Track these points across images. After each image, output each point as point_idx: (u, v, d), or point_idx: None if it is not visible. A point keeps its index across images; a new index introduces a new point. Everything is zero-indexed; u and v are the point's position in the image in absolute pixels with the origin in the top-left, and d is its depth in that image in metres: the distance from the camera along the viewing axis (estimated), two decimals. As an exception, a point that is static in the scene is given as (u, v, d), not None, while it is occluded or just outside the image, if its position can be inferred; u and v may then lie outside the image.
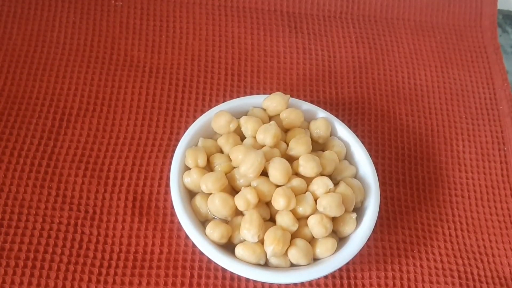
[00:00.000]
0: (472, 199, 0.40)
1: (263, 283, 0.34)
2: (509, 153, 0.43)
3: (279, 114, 0.37)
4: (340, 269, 0.35)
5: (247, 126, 0.36)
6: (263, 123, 0.36)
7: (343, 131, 0.38)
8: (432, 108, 0.45)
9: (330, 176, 0.35)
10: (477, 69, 0.48)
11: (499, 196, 0.41)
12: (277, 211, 0.33)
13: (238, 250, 0.32)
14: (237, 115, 0.37)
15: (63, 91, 0.41)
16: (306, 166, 0.33)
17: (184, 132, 0.37)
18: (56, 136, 0.39)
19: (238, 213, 0.33)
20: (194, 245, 0.33)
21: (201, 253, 0.33)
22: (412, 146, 0.42)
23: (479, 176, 0.42)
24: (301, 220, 0.33)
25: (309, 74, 0.46)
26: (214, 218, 0.34)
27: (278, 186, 0.33)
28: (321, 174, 0.34)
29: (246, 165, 0.32)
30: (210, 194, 0.33)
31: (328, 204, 0.32)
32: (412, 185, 0.40)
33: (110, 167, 0.38)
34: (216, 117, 0.36)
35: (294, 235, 0.33)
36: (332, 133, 0.38)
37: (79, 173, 0.37)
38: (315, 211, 0.33)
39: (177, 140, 0.37)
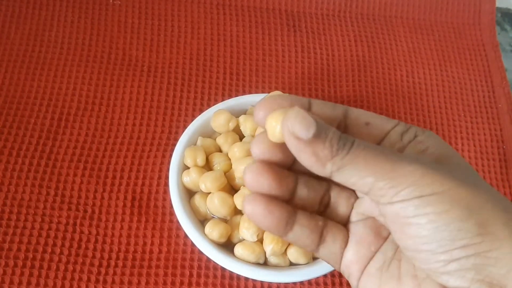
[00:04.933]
0: (471, 197, 0.40)
1: (262, 282, 0.34)
2: (508, 151, 0.43)
3: (278, 113, 0.37)
4: (340, 268, 0.35)
5: (246, 124, 0.36)
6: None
7: (342, 130, 0.38)
8: (430, 106, 0.45)
9: (329, 175, 0.35)
10: (476, 67, 0.48)
11: (498, 194, 0.41)
12: (276, 210, 0.33)
13: (238, 249, 0.32)
14: (236, 113, 0.37)
15: (61, 90, 0.41)
16: (305, 165, 0.33)
17: (183, 131, 0.36)
18: (55, 135, 0.39)
19: (237, 212, 0.33)
20: (193, 244, 0.33)
21: (200, 252, 0.33)
22: (411, 145, 0.42)
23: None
24: (300, 219, 0.33)
25: (308, 73, 0.46)
26: (213, 217, 0.34)
27: (277, 185, 0.33)
28: (320, 173, 0.34)
29: (240, 172, 0.32)
30: (209, 193, 0.33)
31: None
32: (411, 184, 0.40)
33: (109, 166, 0.38)
34: (215, 116, 0.36)
35: (293, 234, 0.33)
36: (331, 132, 0.38)
37: (78, 172, 0.37)
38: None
39: (176, 139, 0.37)
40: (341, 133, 0.21)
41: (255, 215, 0.23)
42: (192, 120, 0.37)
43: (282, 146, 0.22)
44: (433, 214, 0.19)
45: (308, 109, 0.23)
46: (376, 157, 0.20)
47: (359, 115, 0.23)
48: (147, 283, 0.33)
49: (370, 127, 0.23)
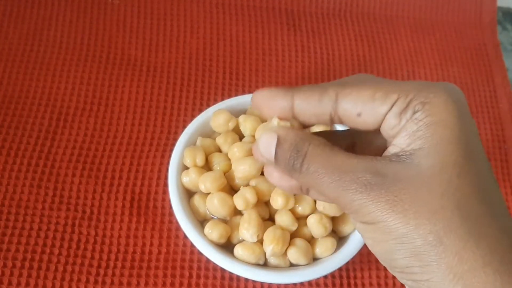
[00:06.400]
0: (472, 198, 0.40)
1: (262, 283, 0.34)
2: (509, 151, 0.43)
3: (278, 113, 0.37)
4: (340, 269, 0.35)
5: (246, 124, 0.36)
6: (262, 122, 0.36)
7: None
8: (431, 106, 0.45)
9: (329, 175, 0.34)
10: (477, 66, 0.48)
11: (500, 194, 0.41)
12: (276, 210, 0.33)
13: (237, 250, 0.32)
14: (236, 113, 0.37)
15: (59, 90, 0.41)
16: (306, 165, 0.33)
17: (182, 131, 0.36)
18: (53, 136, 0.38)
19: (237, 212, 0.33)
20: (192, 245, 0.33)
21: (200, 253, 0.32)
22: (411, 145, 0.42)
23: (479, 174, 0.41)
24: (301, 219, 0.33)
25: (308, 72, 0.45)
26: (213, 217, 0.33)
27: (277, 185, 0.33)
28: (321, 173, 0.34)
29: (240, 172, 0.32)
30: (209, 193, 0.33)
31: (328, 204, 0.32)
32: (412, 184, 0.40)
33: (107, 166, 0.37)
34: (215, 115, 0.36)
35: (293, 235, 0.32)
36: (332, 132, 0.38)
37: (76, 172, 0.37)
38: (314, 210, 0.33)
39: (175, 139, 0.37)
40: (295, 154, 0.22)
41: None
42: (192, 120, 0.37)
43: None
44: (371, 240, 0.21)
45: (291, 108, 0.23)
46: (322, 181, 0.22)
47: (349, 107, 0.23)
48: (146, 284, 0.33)
49: (363, 117, 0.23)
